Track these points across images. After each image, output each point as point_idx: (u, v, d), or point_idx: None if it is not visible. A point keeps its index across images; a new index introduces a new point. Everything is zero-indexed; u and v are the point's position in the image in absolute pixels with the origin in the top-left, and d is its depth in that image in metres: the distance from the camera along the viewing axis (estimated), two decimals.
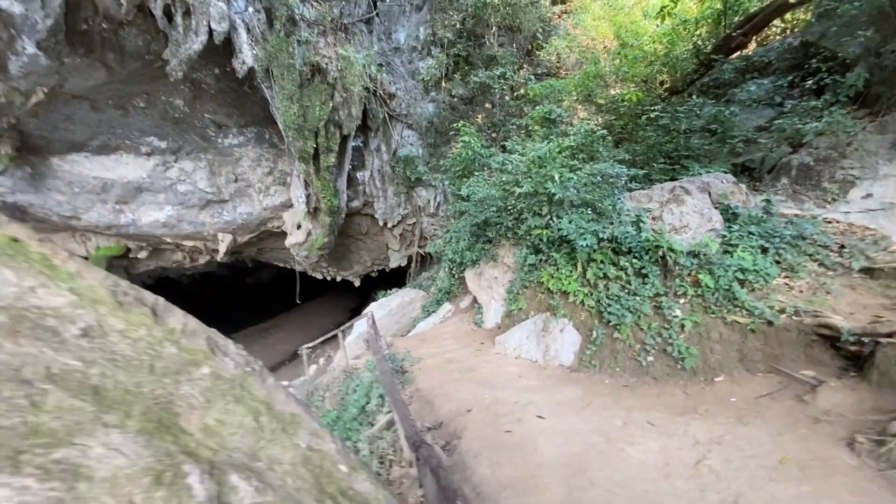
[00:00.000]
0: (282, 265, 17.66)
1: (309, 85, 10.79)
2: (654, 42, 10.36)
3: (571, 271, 5.65)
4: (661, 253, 4.91)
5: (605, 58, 11.46)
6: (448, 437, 3.89)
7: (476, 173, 8.40)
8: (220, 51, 9.96)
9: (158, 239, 13.00)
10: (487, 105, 14.63)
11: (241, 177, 12.88)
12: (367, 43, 13.26)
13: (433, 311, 10.08)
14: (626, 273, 5.14)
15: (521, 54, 14.76)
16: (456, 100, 14.19)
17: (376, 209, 13.68)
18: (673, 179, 6.65)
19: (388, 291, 12.49)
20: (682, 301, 4.73)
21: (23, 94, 9.18)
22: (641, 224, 5.24)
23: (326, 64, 10.81)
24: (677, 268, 4.84)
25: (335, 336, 9.73)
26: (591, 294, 5.32)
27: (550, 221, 6.10)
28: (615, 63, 10.87)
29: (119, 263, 13.84)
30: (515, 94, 13.13)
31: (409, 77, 13.95)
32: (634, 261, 5.09)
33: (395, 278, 18.32)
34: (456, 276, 9.68)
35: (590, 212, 5.56)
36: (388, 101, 13.27)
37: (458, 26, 13.40)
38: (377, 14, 13.84)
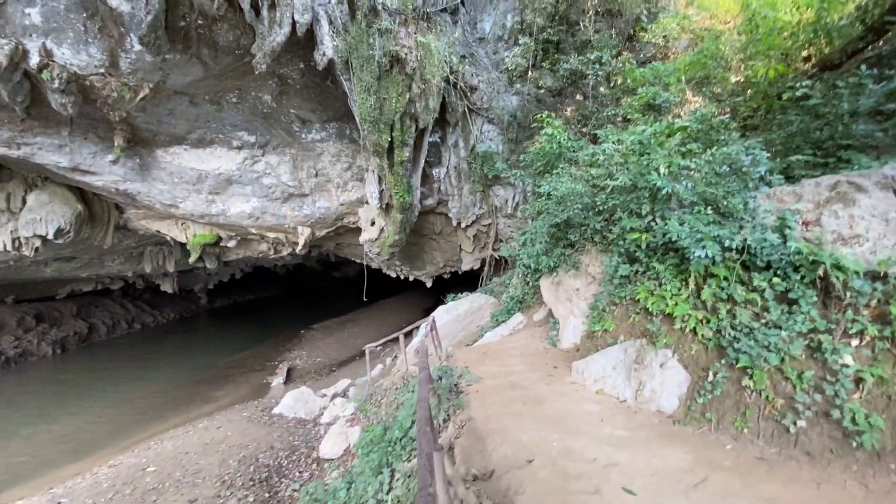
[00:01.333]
0: (359, 261, 17.80)
1: (387, 76, 10.42)
2: (796, 9, 8.30)
3: (680, 288, 4.32)
4: (820, 271, 3.44)
5: (729, 34, 9.53)
6: (498, 496, 2.92)
7: (560, 167, 7.26)
8: (304, 44, 9.96)
9: (245, 229, 13.62)
10: (578, 97, 13.23)
11: (321, 171, 13.00)
12: (451, 33, 12.65)
13: (503, 321, 9.07)
14: (762, 296, 3.72)
15: (620, 39, 13.12)
16: (543, 91, 13.00)
17: (450, 208, 13.00)
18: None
19: (458, 295, 11.71)
20: (856, 344, 3.22)
21: (131, 89, 9.90)
22: (788, 230, 3.78)
23: (406, 54, 10.35)
24: (848, 294, 3.33)
25: (409, 333, 9.18)
26: (708, 321, 3.98)
27: (653, 223, 4.81)
28: (741, 39, 8.95)
29: (211, 251, 14.82)
30: (612, 84, 11.59)
31: (493, 68, 13.08)
32: (776, 280, 3.66)
33: (468, 281, 17.57)
34: (530, 283, 8.59)
35: (710, 211, 4.19)
36: (468, 94, 12.53)
37: (549, 9, 12.22)
38: (462, 3, 13.18)
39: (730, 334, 3.82)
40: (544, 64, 12.66)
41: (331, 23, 9.98)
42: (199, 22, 9.08)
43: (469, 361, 6.16)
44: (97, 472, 7.96)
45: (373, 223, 12.68)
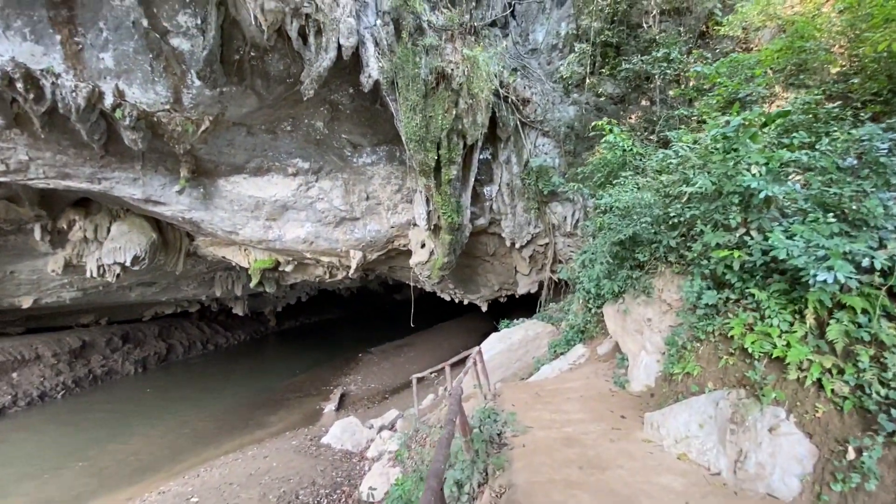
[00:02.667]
0: (413, 284, 17.46)
1: (433, 94, 10.09)
2: None
3: (792, 324, 3.22)
4: None
5: (826, 16, 8.04)
6: None
7: (624, 176, 6.27)
8: (352, 68, 9.95)
9: (300, 254, 13.81)
10: (644, 102, 12.04)
11: (372, 195, 12.90)
12: (501, 46, 12.17)
13: (561, 353, 8.03)
14: None
15: (691, 38, 11.83)
16: (603, 99, 12.00)
17: (503, 227, 12.22)
18: None
19: (512, 322, 10.77)
20: None
21: (193, 122, 10.40)
22: None
23: (452, 70, 9.98)
24: None
25: (460, 362, 8.50)
26: (841, 371, 2.85)
27: (746, 237, 3.74)
28: (842, 19, 7.46)
29: (271, 275, 15.22)
30: (682, 85, 10.34)
31: (547, 79, 12.34)
32: None
33: (527, 305, 16.48)
34: (592, 310, 7.52)
35: (832, 219, 3.09)
36: (521, 108, 11.87)
37: (608, 11, 11.32)
38: (513, 15, 12.70)
39: (879, 393, 2.68)
40: (603, 70, 11.69)
41: (377, 44, 9.89)
42: (252, 54, 9.35)
43: (518, 403, 5.27)
44: (147, 497, 7.97)
45: (423, 245, 12.24)
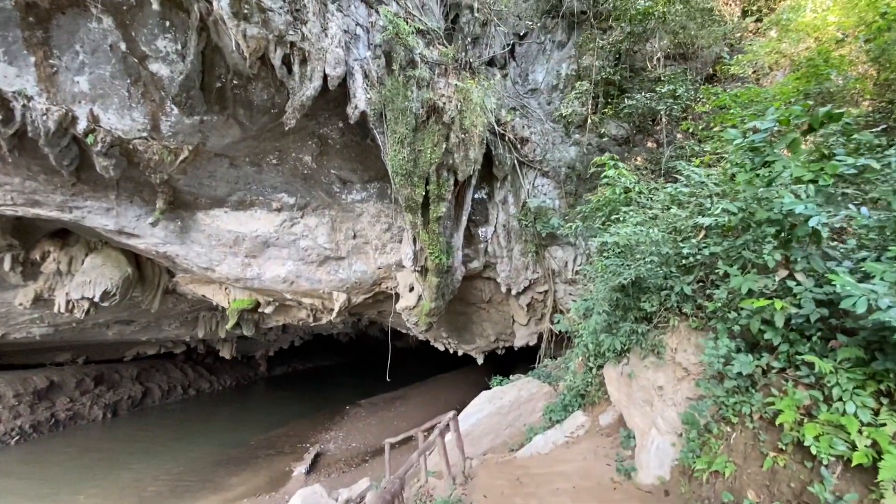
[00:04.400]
0: (404, 331, 16.28)
1: (423, 128, 9.51)
2: None
3: (878, 412, 2.13)
4: None
5: (850, 46, 7.39)
6: None
7: (625, 211, 5.34)
8: (340, 101, 9.49)
9: (280, 294, 12.88)
10: (650, 144, 11.38)
11: (360, 233, 12.12)
12: (499, 86, 11.79)
13: (558, 421, 6.75)
14: None
15: (699, 79, 11.33)
16: (606, 140, 11.37)
17: (499, 271, 11.23)
18: None
19: (504, 379, 9.49)
20: None
21: (172, 151, 9.88)
22: None
23: (444, 103, 9.46)
24: None
25: (424, 434, 7.23)
26: None
27: (791, 280, 2.73)
28: (867, 49, 6.78)
29: (250, 317, 14.22)
30: (690, 125, 9.66)
31: (547, 119, 11.82)
32: None
33: (528, 358, 15.11)
34: (594, 371, 6.33)
35: None
36: (519, 147, 11.25)
37: (611, 51, 10.93)
38: (513, 56, 12.43)
39: None
40: (606, 110, 11.14)
41: (366, 76, 9.46)
42: (235, 82, 8.93)
43: (493, 494, 4.05)
44: None
45: (411, 289, 11.25)
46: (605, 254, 5.62)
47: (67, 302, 12.32)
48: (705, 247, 3.58)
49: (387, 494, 2.91)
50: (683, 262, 4.01)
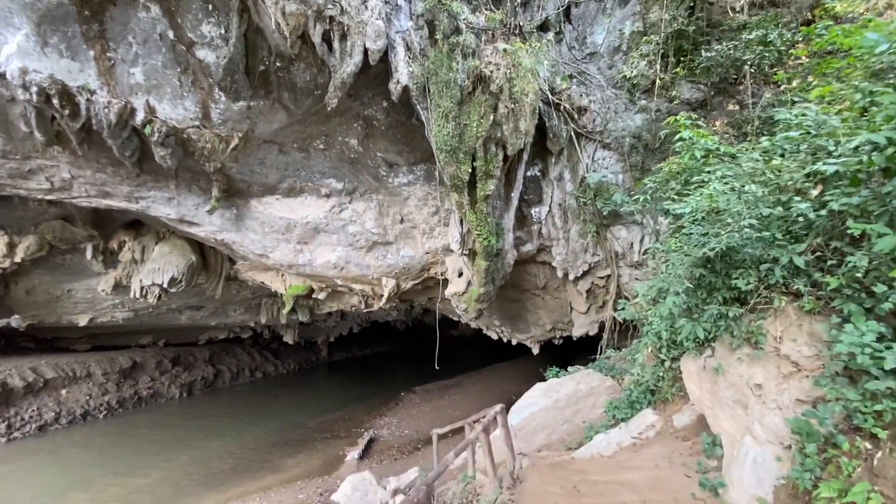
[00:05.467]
0: (455, 319, 15.87)
1: (469, 100, 8.86)
2: None
3: None
4: None
5: None
6: None
7: (709, 170, 4.38)
8: (384, 79, 9.10)
9: (331, 280, 12.92)
10: (731, 106, 9.89)
11: (407, 217, 11.77)
12: (555, 52, 10.80)
13: (622, 420, 5.95)
14: None
15: (793, 25, 9.61)
16: (678, 104, 10.01)
17: (554, 255, 10.37)
18: None
19: (561, 371, 8.71)
20: None
21: (223, 139, 10.04)
22: None
23: (491, 71, 8.72)
24: None
25: (471, 426, 6.75)
26: None
27: None
28: None
29: (304, 303, 14.47)
30: (788, 74, 8.13)
31: (608, 85, 10.65)
32: None
33: (588, 348, 14.10)
34: (667, 363, 5.45)
35: None
36: (576, 117, 10.24)
37: (684, 3, 9.55)
38: (568, 19, 11.32)
39: None
40: (678, 70, 9.79)
41: (408, 49, 8.93)
42: (277, 64, 8.80)
43: (545, 499, 3.42)
44: None
45: (460, 274, 10.73)
46: (682, 225, 4.71)
47: (141, 288, 13.18)
48: (828, 200, 2.67)
49: (423, 489, 2.44)
50: (791, 227, 3.09)
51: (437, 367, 11.75)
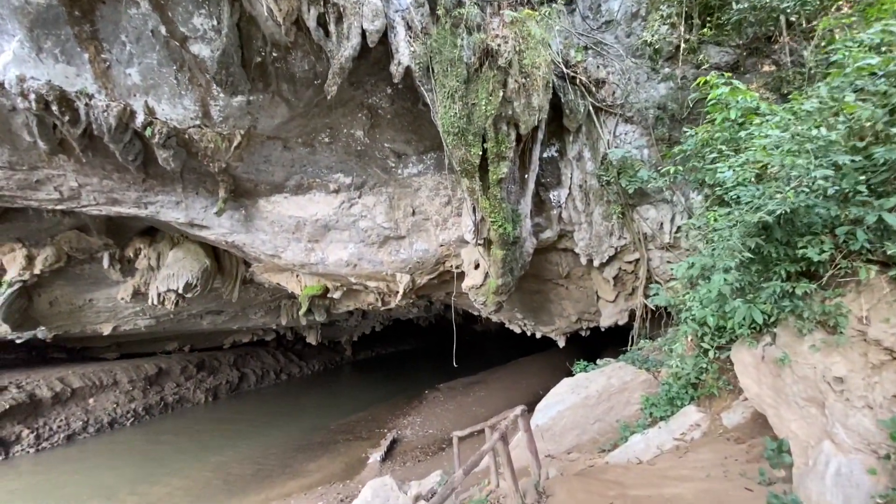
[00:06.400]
0: (476, 314, 15.31)
1: (476, 78, 8.25)
2: None
3: None
4: None
5: None
6: None
7: (768, 113, 3.69)
8: (385, 62, 8.60)
9: (345, 278, 12.56)
10: (766, 67, 8.98)
11: (419, 209, 11.27)
12: (567, 23, 10.08)
13: (661, 418, 5.30)
14: None
15: None
16: (706, 70, 9.15)
17: (577, 240, 9.67)
18: None
19: (590, 365, 8.05)
20: None
21: (225, 138, 9.74)
22: None
23: (499, 44, 8.09)
24: None
25: (490, 429, 6.25)
26: None
27: None
28: None
29: (320, 303, 14.19)
30: (831, 22, 7.20)
31: (628, 54, 9.85)
32: None
33: (618, 340, 13.32)
34: (711, 353, 4.77)
35: None
36: (593, 90, 9.50)
37: None
38: None
39: None
40: (704, 30, 8.92)
41: (408, 28, 8.38)
42: (274, 54, 8.40)
43: None
44: None
45: (476, 266, 10.17)
46: (723, 195, 4.03)
47: (158, 294, 13.14)
48: None
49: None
50: (873, 178, 2.42)
51: (455, 365, 11.23)
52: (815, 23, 8.10)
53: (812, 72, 6.61)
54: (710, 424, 4.57)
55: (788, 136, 2.79)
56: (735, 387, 4.60)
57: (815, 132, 2.65)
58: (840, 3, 6.38)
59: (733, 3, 7.70)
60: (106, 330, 15.51)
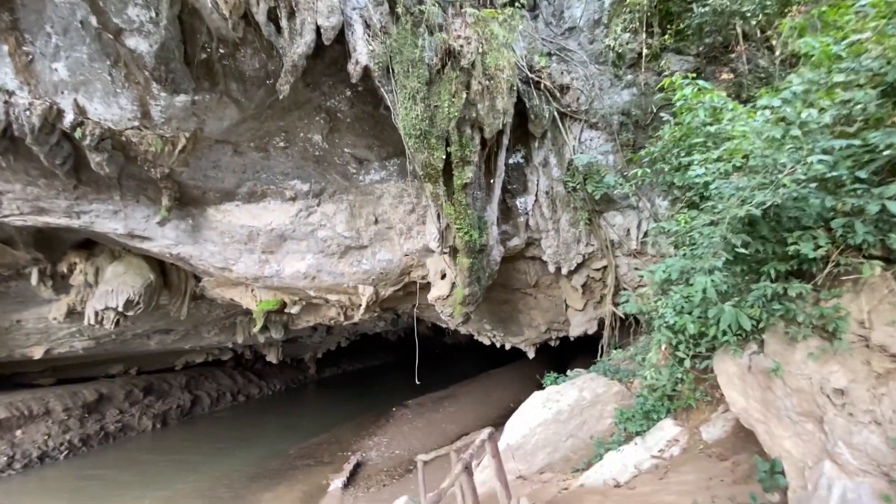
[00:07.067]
0: (444, 325, 14.83)
1: (439, 79, 7.93)
2: None
3: None
4: None
5: None
6: None
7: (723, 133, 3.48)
8: (343, 63, 8.15)
9: (303, 292, 11.84)
10: (725, 75, 9.12)
11: (382, 217, 10.77)
12: (531, 28, 9.99)
13: (637, 433, 4.97)
14: None
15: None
16: (666, 76, 9.21)
17: (544, 248, 9.43)
18: None
19: (560, 376, 7.71)
20: None
21: (168, 141, 8.97)
22: None
23: (462, 45, 7.81)
24: None
25: (456, 453, 5.78)
26: None
27: None
28: None
29: (278, 319, 13.34)
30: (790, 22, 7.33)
31: (591, 61, 9.82)
32: None
33: (589, 349, 13.15)
34: (686, 363, 4.49)
35: None
36: (558, 96, 9.38)
37: None
38: None
39: None
40: (665, 37, 9.00)
41: (367, 26, 7.99)
42: (221, 51, 7.79)
43: None
44: None
45: (443, 276, 9.74)
46: (693, 199, 3.78)
47: (95, 313, 11.95)
48: None
49: None
50: (867, 164, 2.17)
51: (417, 382, 10.68)
52: (769, 32, 8.31)
53: (774, 74, 6.64)
54: (690, 439, 4.27)
55: (772, 123, 2.55)
56: (714, 398, 4.33)
57: (804, 115, 2.42)
58: (798, 5, 6.45)
59: (695, 7, 7.74)
60: (37, 354, 14.01)
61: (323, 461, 12.59)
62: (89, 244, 12.68)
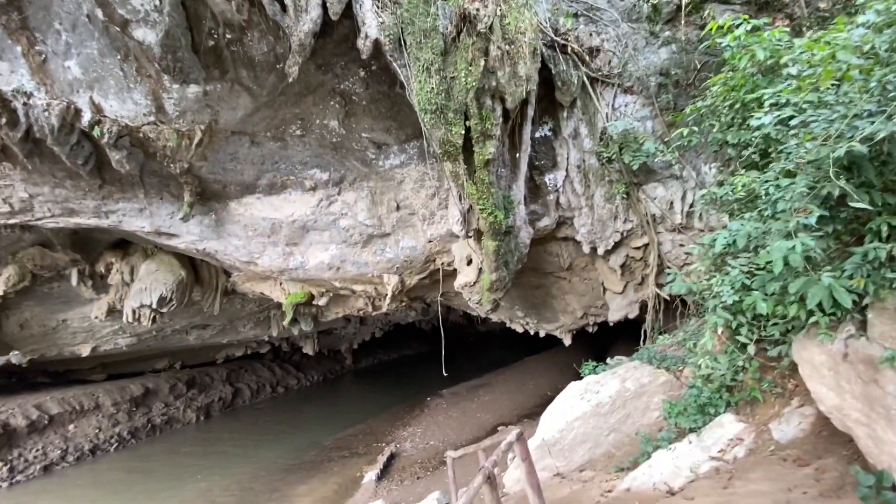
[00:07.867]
0: (475, 313, 14.37)
1: (454, 49, 7.34)
2: None
3: None
4: None
5: None
6: None
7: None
8: (353, 39, 7.71)
9: (329, 283, 11.65)
10: (779, 22, 8.05)
11: (403, 203, 10.36)
12: None
13: (691, 429, 4.35)
14: None
15: None
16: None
17: (577, 227, 8.72)
18: None
19: (599, 365, 7.08)
20: None
21: (185, 135, 8.86)
22: None
23: (477, 9, 7.17)
24: None
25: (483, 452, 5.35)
26: None
27: None
28: None
29: (307, 311, 13.28)
30: None
31: (623, 18, 8.92)
32: None
33: (629, 334, 12.35)
34: (750, 349, 3.81)
35: None
36: (587, 59, 8.57)
37: None
38: None
39: None
40: None
41: None
42: (228, 36, 7.50)
43: None
44: None
45: (469, 262, 9.24)
46: (752, 155, 3.07)
47: (132, 311, 12.25)
48: None
49: None
50: None
51: (444, 374, 10.28)
52: None
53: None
54: (757, 438, 3.62)
55: (887, 35, 1.86)
56: (785, 389, 3.65)
57: None
58: None
59: None
60: (84, 351, 14.64)
61: (358, 452, 12.53)
62: (124, 244, 13.00)
